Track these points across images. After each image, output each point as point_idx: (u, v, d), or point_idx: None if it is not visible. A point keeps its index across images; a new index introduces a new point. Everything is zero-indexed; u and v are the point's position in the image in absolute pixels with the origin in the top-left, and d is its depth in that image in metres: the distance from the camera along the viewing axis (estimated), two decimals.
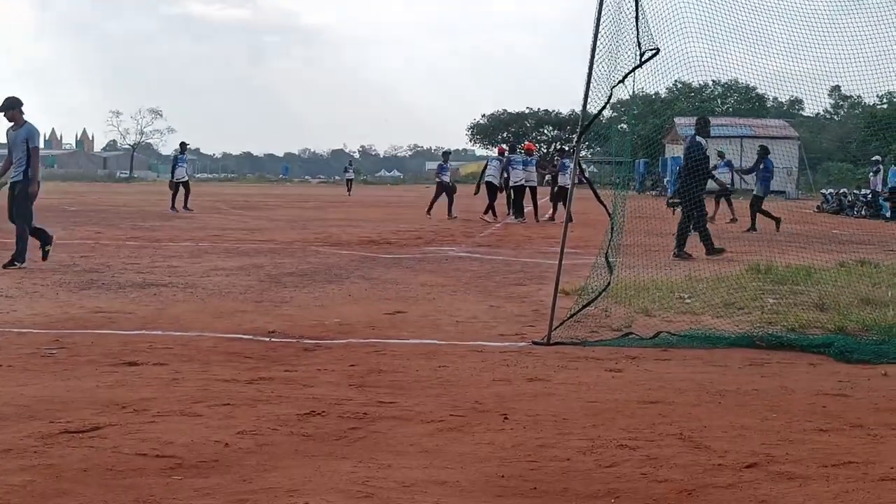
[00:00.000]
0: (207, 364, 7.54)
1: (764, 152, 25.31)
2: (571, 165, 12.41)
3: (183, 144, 34.31)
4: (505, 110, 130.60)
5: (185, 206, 32.57)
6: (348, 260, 16.02)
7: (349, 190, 61.99)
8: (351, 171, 68.20)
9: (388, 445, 5.44)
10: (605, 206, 9.47)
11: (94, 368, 7.32)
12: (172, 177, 33.33)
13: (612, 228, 9.45)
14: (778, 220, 22.90)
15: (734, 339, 8.67)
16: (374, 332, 9.11)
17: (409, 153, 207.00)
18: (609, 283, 9.45)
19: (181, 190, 32.89)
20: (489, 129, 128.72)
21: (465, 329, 9.37)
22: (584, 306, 9.38)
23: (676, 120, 62.23)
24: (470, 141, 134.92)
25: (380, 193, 69.96)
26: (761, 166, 24.96)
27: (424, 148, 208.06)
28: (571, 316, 9.20)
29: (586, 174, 25.65)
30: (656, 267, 11.98)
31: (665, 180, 49.91)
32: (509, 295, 11.87)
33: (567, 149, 46.23)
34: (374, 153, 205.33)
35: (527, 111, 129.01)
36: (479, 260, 16.38)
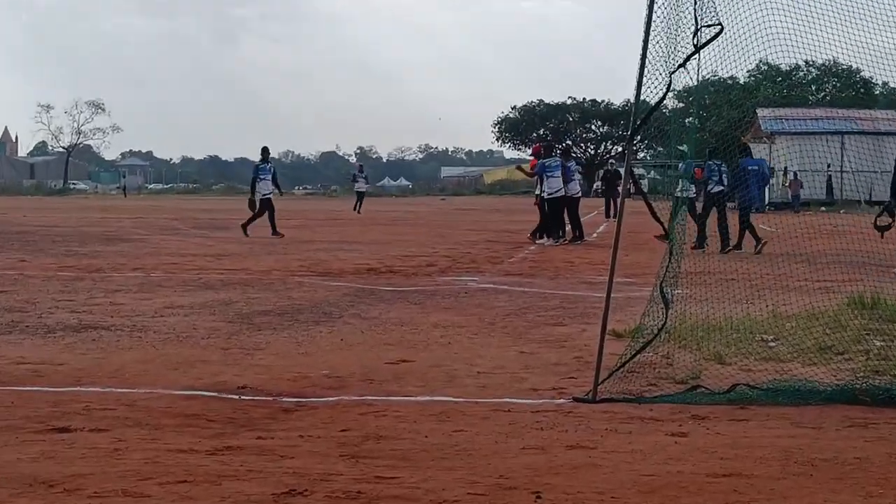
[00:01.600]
0: (159, 430, 7.53)
1: (742, 152, 25.79)
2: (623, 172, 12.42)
3: (265, 150, 33.71)
4: (541, 101, 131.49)
5: (274, 231, 31.79)
6: (341, 294, 16.09)
7: (359, 206, 56.81)
8: (362, 180, 61.06)
9: None
10: (659, 220, 9.47)
11: (15, 436, 7.32)
12: (253, 193, 32.90)
13: (672, 251, 9.43)
14: (760, 242, 23.50)
15: (831, 393, 8.62)
16: (372, 388, 9.11)
17: (420, 156, 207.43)
18: (665, 322, 9.43)
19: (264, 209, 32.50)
20: (521, 125, 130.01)
21: (489, 382, 9.37)
22: (639, 352, 9.37)
23: (760, 112, 62.35)
24: (497, 140, 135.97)
25: (382, 207, 69.57)
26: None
27: (439, 150, 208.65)
28: (623, 364, 9.19)
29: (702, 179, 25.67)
30: (731, 301, 11.91)
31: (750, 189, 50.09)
32: (545, 338, 11.91)
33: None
34: (375, 156, 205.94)
35: (569, 102, 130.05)
36: (508, 293, 16.48)
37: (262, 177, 32.39)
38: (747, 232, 24.80)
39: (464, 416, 8.04)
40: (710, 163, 26.09)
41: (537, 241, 29.03)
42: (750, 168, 25.79)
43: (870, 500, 5.96)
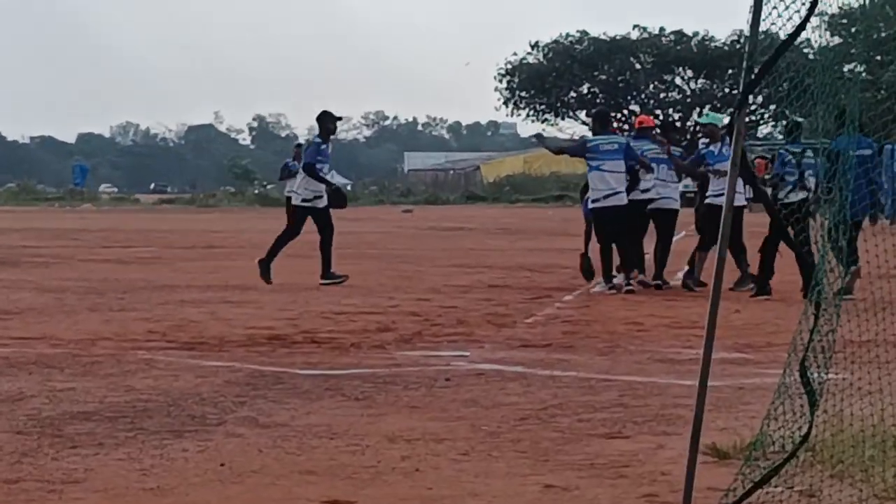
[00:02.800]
0: None
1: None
2: (727, 155, 12.37)
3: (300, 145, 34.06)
4: (584, 33, 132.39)
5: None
6: (222, 382, 16.06)
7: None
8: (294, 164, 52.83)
9: None
10: (799, 254, 9.49)
11: None
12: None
13: (820, 303, 9.41)
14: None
15: None
16: None
17: (367, 133, 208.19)
18: (809, 431, 9.42)
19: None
20: (549, 77, 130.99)
21: None
22: (761, 483, 9.38)
23: None
24: (505, 104, 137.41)
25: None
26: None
27: (400, 122, 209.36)
28: None
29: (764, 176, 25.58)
30: None
31: None
32: (591, 460, 11.84)
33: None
34: (284, 134, 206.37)
35: (635, 36, 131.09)
36: (525, 379, 16.44)
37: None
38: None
39: None
40: (783, 151, 26.31)
41: (594, 286, 29.30)
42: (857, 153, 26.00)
43: None
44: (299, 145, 50.75)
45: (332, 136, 35.69)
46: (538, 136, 37.20)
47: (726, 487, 9.40)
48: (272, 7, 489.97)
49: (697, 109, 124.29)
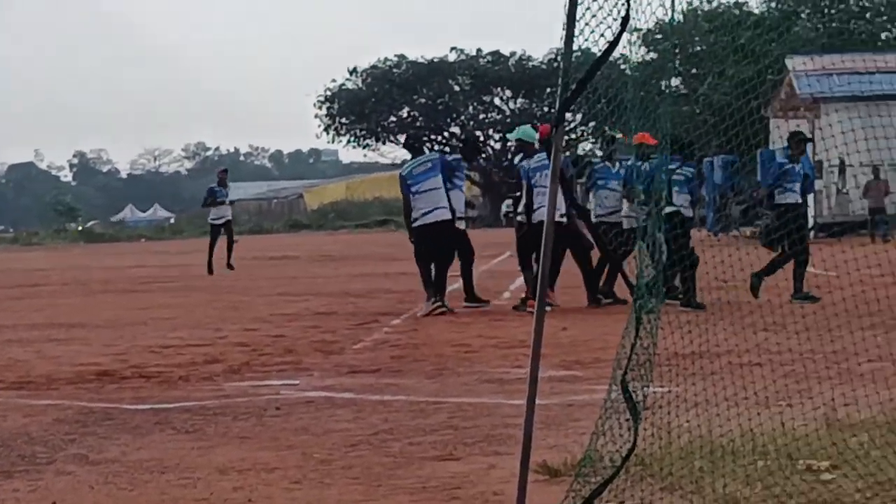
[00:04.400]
0: None
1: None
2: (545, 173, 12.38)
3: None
4: (402, 57, 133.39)
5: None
6: (51, 420, 15.90)
7: (229, 253, 51.12)
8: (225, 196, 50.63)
9: None
10: (619, 270, 9.59)
11: None
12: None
13: (637, 318, 9.49)
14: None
15: None
16: None
17: (188, 165, 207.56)
18: (634, 444, 9.50)
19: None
20: (368, 102, 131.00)
21: None
22: (592, 497, 9.45)
23: (791, 63, 63.13)
24: (326, 131, 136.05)
25: (124, 259, 69.34)
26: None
27: (220, 153, 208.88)
28: None
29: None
30: (754, 403, 11.98)
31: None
32: (423, 483, 11.85)
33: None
34: (105, 168, 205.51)
35: (453, 57, 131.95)
36: (355, 405, 16.42)
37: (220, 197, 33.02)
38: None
39: None
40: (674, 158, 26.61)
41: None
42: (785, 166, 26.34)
43: None
44: (225, 170, 51.98)
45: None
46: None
47: None
48: (85, 41, 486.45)
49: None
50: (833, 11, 79.86)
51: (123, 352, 22.94)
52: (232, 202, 34.15)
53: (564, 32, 9.21)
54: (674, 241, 25.57)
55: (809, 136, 29.30)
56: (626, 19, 9.10)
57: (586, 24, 9.13)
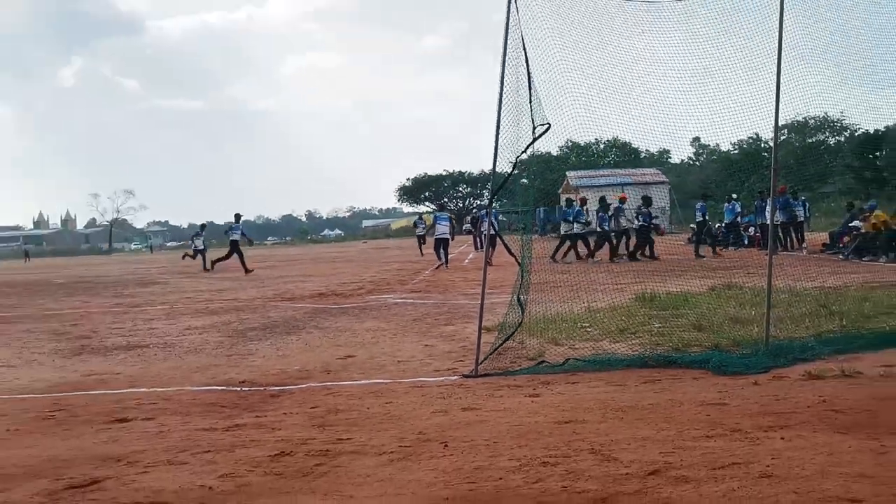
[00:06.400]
0: (189, 415, 7.40)
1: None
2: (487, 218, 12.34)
3: (237, 215, 32.07)
4: (425, 173, 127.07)
5: (246, 270, 29.99)
6: (303, 313, 15.71)
7: (421, 247, 39.08)
8: (422, 227, 40.83)
9: (348, 478, 5.39)
10: (512, 252, 9.52)
11: (91, 427, 7.16)
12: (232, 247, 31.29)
13: (522, 270, 9.47)
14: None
15: (629, 361, 8.73)
16: (330, 377, 9.03)
17: (348, 214, 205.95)
18: (522, 320, 9.46)
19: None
20: (413, 190, 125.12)
21: (406, 368, 9.33)
22: (504, 341, 9.39)
23: (569, 174, 62.64)
24: (398, 200, 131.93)
25: (325, 251, 68.90)
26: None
27: (360, 209, 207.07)
28: (494, 350, 9.19)
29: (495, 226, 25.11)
30: (560, 301, 11.92)
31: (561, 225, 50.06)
32: (441, 334, 11.78)
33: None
34: (318, 216, 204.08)
35: (444, 173, 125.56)
36: (413, 304, 16.20)
37: (233, 232, 31.07)
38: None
39: (392, 392, 8.01)
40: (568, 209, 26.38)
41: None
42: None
43: (661, 432, 6.03)
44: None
45: (239, 221, 31.88)
46: (420, 216, 35.53)
47: (492, 342, 9.40)
48: None
49: (468, 200, 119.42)
50: (582, 153, 75.36)
51: (328, 286, 22.63)
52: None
53: (492, 165, 9.01)
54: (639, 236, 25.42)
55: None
56: (514, 165, 8.94)
57: (498, 161, 8.89)
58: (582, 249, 25.94)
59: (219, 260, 32.49)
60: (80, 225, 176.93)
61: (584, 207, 26.98)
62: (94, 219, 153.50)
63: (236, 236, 31.19)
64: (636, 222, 26.38)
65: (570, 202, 27.74)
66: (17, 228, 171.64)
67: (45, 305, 20.76)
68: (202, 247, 38.23)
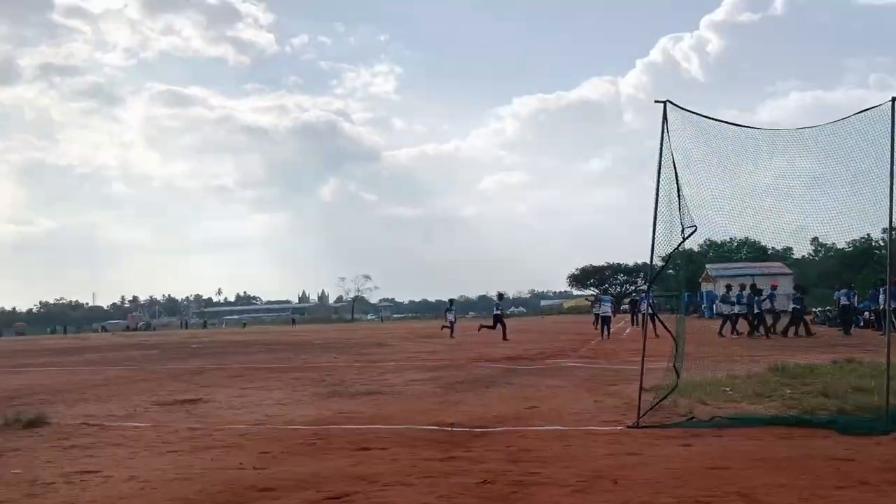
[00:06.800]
0: (414, 448, 7.49)
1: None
2: (646, 300, 11.90)
3: (451, 300, 30.84)
4: (591, 264, 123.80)
5: (504, 338, 27.62)
6: (498, 371, 15.57)
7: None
8: (452, 312, 33.74)
9: None
10: (667, 328, 9.19)
11: (342, 453, 7.36)
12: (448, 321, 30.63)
13: (677, 344, 9.13)
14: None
15: (766, 420, 8.21)
16: (520, 422, 8.92)
17: (528, 295, 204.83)
18: (677, 384, 9.10)
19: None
20: (581, 277, 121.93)
21: (580, 418, 9.10)
22: (661, 400, 9.03)
23: (707, 266, 60.49)
24: (570, 286, 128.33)
25: (515, 324, 68.27)
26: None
27: (539, 291, 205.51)
28: (652, 407, 8.85)
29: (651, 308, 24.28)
30: (704, 369, 11.30)
31: (703, 307, 48.08)
32: (607, 392, 11.38)
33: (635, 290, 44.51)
34: (506, 296, 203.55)
35: (605, 264, 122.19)
36: (585, 368, 15.72)
37: (496, 308, 30.15)
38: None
39: (569, 437, 7.84)
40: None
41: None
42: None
43: (797, 481, 5.62)
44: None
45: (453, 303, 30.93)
46: (586, 298, 35.04)
47: (651, 400, 9.07)
48: None
49: (625, 286, 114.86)
50: (718, 249, 71.90)
51: (517, 351, 22.28)
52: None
53: (650, 258, 8.86)
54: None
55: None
56: (668, 258, 8.74)
57: (655, 257, 8.72)
58: (739, 326, 24.91)
59: (484, 327, 31.26)
60: (331, 300, 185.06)
61: (743, 292, 25.81)
62: (341, 296, 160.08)
63: (498, 311, 30.01)
64: (790, 306, 25.13)
65: (729, 287, 26.62)
66: (286, 302, 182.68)
67: (307, 359, 21.66)
68: (453, 318, 33.34)
